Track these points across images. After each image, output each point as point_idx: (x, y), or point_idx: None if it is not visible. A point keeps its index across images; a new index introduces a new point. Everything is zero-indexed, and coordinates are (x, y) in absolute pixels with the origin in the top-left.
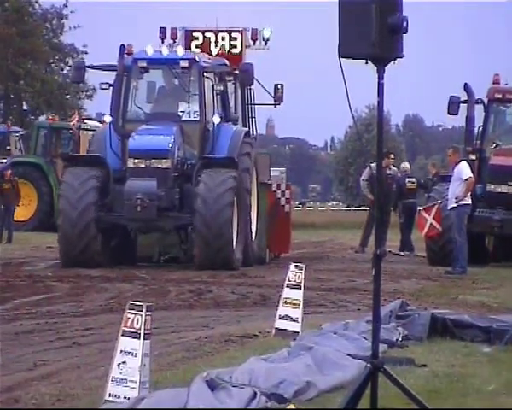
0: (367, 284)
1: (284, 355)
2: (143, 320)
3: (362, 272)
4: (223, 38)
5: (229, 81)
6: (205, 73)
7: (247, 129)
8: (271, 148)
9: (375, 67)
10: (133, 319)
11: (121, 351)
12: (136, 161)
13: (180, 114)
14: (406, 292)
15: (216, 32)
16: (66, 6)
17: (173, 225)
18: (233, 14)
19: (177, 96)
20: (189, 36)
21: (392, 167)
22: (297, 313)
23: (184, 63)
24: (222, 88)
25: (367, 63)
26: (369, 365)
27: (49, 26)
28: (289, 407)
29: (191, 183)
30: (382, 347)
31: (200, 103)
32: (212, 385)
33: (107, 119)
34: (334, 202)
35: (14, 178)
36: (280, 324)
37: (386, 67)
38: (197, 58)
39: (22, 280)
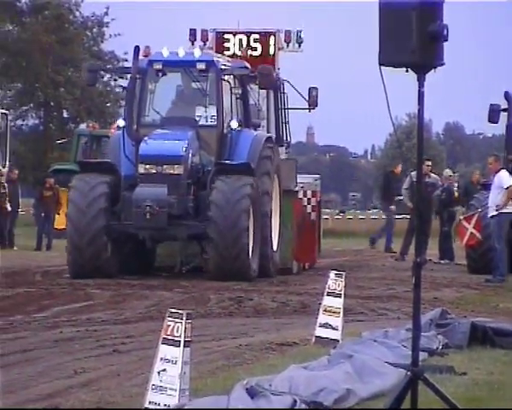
0: (407, 292)
1: (324, 363)
2: (183, 328)
3: (402, 281)
4: (255, 40)
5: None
6: (223, 76)
7: (269, 134)
8: (311, 156)
9: (416, 75)
10: (173, 327)
11: (161, 359)
12: (147, 166)
13: (197, 118)
14: (446, 300)
15: (248, 34)
16: (107, 14)
17: (186, 233)
18: (260, 15)
19: (193, 100)
20: (220, 38)
21: (433, 175)
22: (337, 321)
23: (201, 65)
24: (241, 91)
25: (407, 71)
26: (409, 373)
27: (89, 34)
28: None
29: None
30: (422, 355)
31: (217, 107)
32: (252, 393)
33: (121, 123)
34: (375, 210)
35: (55, 185)
36: (320, 332)
37: (426, 75)
38: (215, 60)
39: (62, 288)
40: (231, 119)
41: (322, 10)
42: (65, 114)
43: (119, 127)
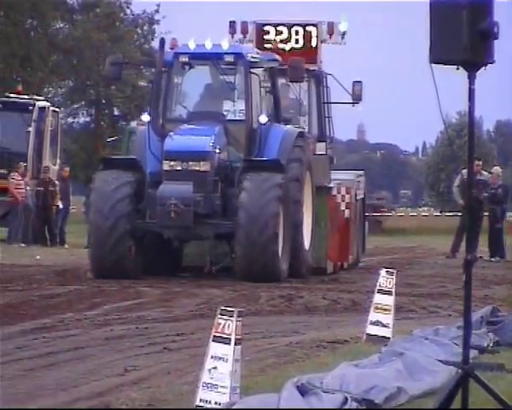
0: (458, 289)
1: (375, 361)
2: (234, 326)
3: (453, 278)
4: (296, 32)
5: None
6: (252, 69)
7: (300, 129)
8: (362, 153)
9: (466, 73)
10: (224, 325)
11: (212, 356)
12: (172, 163)
13: (224, 113)
14: (497, 298)
15: (289, 26)
16: (157, 12)
17: (213, 233)
18: (302, 7)
19: (221, 94)
20: (260, 30)
21: (484, 173)
22: (388, 318)
23: (229, 58)
24: (271, 85)
25: (458, 69)
26: (459, 370)
27: (140, 32)
28: None
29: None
30: (473, 352)
31: (246, 102)
32: (303, 391)
33: (146, 118)
34: (426, 208)
35: None
36: (371, 329)
37: (477, 73)
38: (244, 52)
39: (112, 286)
40: (260, 113)
41: (370, 4)
42: (116, 112)
43: (144, 122)
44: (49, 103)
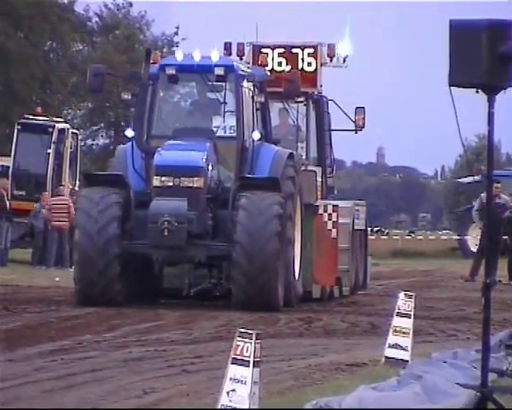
0: (477, 313)
1: (393, 384)
2: (253, 348)
3: (472, 301)
4: (295, 55)
5: (301, 103)
6: (243, 83)
7: (290, 150)
8: (381, 176)
9: (486, 96)
10: (243, 347)
11: (230, 379)
12: (163, 178)
13: (214, 129)
14: None
15: (288, 48)
16: (176, 34)
17: (205, 255)
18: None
19: (210, 109)
20: (257, 52)
21: (503, 196)
22: (407, 341)
23: (219, 71)
24: (262, 100)
25: (477, 92)
26: (478, 393)
27: (159, 54)
28: None
29: (227, 208)
30: (492, 376)
31: (237, 118)
32: None
33: (129, 133)
34: (445, 231)
35: None
36: (389, 352)
37: (496, 96)
38: (235, 65)
39: (132, 307)
40: (252, 130)
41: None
42: None
43: (127, 138)
44: (68, 125)
